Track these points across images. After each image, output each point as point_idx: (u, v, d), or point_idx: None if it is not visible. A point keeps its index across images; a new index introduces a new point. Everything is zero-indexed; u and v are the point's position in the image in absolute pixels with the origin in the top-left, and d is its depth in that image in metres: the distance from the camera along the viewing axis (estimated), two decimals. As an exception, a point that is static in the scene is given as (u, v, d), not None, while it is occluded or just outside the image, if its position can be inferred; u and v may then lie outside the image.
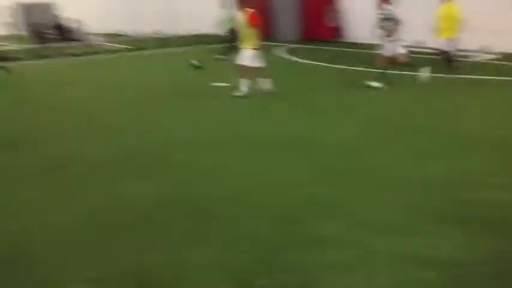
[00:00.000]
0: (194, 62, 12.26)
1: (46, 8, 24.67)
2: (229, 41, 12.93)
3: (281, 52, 15.77)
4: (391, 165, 5.11)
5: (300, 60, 13.88)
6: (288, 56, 14.84)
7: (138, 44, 19.34)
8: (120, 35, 23.52)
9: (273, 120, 7.27)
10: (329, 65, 12.31)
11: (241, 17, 8.85)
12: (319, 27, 18.02)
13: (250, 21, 8.59)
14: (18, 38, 21.45)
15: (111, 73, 12.89)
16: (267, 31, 20.25)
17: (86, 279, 3.10)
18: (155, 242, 3.59)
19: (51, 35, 18.45)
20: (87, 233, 3.78)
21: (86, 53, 17.56)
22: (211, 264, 3.24)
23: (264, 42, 9.42)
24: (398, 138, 6.10)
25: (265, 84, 8.96)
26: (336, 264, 3.21)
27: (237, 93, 8.78)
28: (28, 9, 24.75)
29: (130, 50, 18.42)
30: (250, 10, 8.65)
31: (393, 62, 9.31)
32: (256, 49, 8.70)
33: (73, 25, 18.69)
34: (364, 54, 12.55)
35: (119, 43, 20.03)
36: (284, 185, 4.66)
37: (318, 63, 12.78)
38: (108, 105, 8.58)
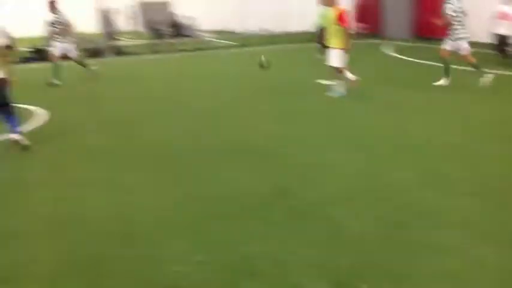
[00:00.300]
0: (263, 60, 10.36)
1: (163, 6, 26.28)
2: (320, 39, 12.69)
3: (388, 50, 15.28)
4: (508, 174, 4.76)
5: (407, 58, 13.35)
6: (395, 54, 14.35)
7: (245, 40, 19.87)
8: (229, 32, 24.32)
9: (371, 120, 7.10)
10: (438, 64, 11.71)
11: (330, 14, 8.49)
12: (434, 24, 17.11)
13: (338, 19, 8.23)
14: (138, 34, 23.06)
15: (217, 67, 13.41)
16: (376, 28, 19.87)
17: (192, 262, 3.29)
18: (255, 234, 3.68)
19: (167, 31, 19.58)
20: (193, 218, 4.00)
21: (196, 49, 18.46)
22: (309, 263, 3.26)
23: (372, 40, 9.21)
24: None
25: (341, 86, 8.60)
26: (443, 273, 3.08)
27: (332, 94, 8.62)
28: (147, 7, 26.54)
29: (237, 47, 19.01)
30: (340, 8, 8.34)
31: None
32: (344, 49, 8.36)
33: (186, 22, 19.67)
34: (482, 53, 11.75)
35: (227, 39, 20.74)
36: (390, 186, 4.54)
37: (427, 62, 12.21)
38: (212, 98, 8.95)
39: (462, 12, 8.84)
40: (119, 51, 18.05)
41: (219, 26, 25.77)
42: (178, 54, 17.48)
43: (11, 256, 3.50)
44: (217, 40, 21.40)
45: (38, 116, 7.95)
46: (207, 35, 22.93)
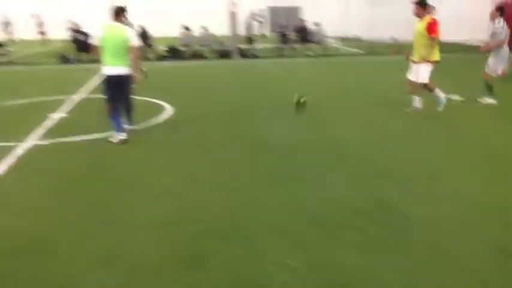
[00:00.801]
0: (298, 97, 8.41)
1: (292, 11, 26.77)
2: None
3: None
4: None
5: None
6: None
7: (372, 49, 19.38)
8: (355, 39, 23.94)
9: (484, 139, 6.45)
10: None
11: (418, 25, 7.70)
12: None
13: (427, 30, 7.48)
14: (266, 38, 23.73)
15: (341, 75, 13.24)
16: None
17: (284, 265, 3.28)
18: (351, 245, 3.56)
19: (294, 36, 19.84)
20: (293, 220, 3.97)
21: (322, 55, 18.44)
22: (406, 282, 3.07)
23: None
24: None
25: (417, 101, 7.93)
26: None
27: (439, 108, 7.88)
28: (277, 11, 27.24)
29: (363, 55, 18.61)
30: (430, 18, 7.58)
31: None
32: (432, 62, 7.65)
33: (314, 28, 19.77)
34: None
35: (354, 47, 20.41)
36: (497, 209, 4.11)
37: None
38: (327, 102, 8.84)
39: None
40: (246, 54, 18.72)
41: (346, 33, 25.50)
42: (303, 60, 17.64)
43: (117, 243, 3.79)
44: (343, 47, 21.17)
45: (166, 110, 8.53)
46: (333, 41, 22.81)
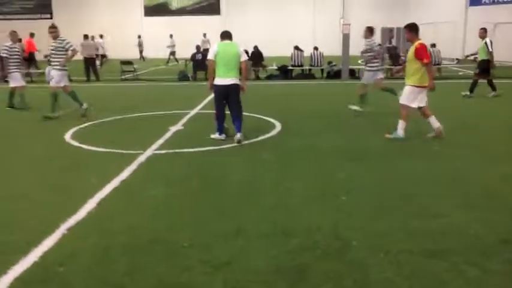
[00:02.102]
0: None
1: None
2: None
3: None
4: None
5: None
6: None
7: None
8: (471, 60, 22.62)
9: None
10: None
11: (410, 49, 7.60)
12: None
13: (415, 54, 7.33)
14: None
15: (457, 98, 12.63)
16: None
17: (390, 282, 3.28)
18: (470, 281, 3.41)
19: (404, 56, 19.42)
20: (405, 249, 3.95)
21: (436, 77, 17.67)
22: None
23: None
24: None
25: (434, 122, 7.64)
26: None
27: (390, 136, 7.67)
28: (387, 32, 26.78)
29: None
30: (418, 43, 7.39)
31: None
32: (420, 87, 7.44)
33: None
34: None
35: (471, 69, 19.30)
36: None
37: None
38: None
39: None
40: (354, 74, 18.60)
41: (462, 54, 24.19)
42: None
43: (230, 251, 4.04)
44: (461, 69, 20.12)
45: (276, 126, 8.83)
46: (448, 63, 21.79)
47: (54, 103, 10.02)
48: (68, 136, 8.25)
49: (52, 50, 9.99)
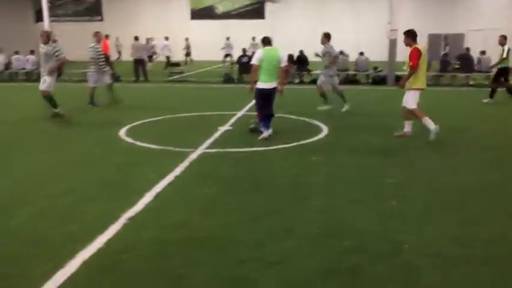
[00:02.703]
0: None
1: (456, 38, 25.57)
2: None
3: None
4: None
5: None
6: None
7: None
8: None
9: None
10: None
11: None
12: None
13: (410, 58, 7.89)
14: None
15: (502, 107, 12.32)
16: None
17: None
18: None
19: (455, 64, 18.92)
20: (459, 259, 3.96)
21: (485, 85, 17.26)
22: None
23: None
24: None
25: (429, 124, 7.89)
26: None
27: (433, 136, 7.81)
28: (437, 39, 26.28)
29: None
30: (413, 47, 7.88)
31: None
32: (416, 89, 7.98)
33: (476, 56, 18.62)
34: None
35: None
36: None
37: None
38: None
39: None
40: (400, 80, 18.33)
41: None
42: (462, 89, 16.77)
43: (281, 250, 4.16)
44: None
45: (322, 130, 8.90)
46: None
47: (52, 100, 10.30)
48: (122, 133, 8.60)
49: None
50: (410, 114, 8.14)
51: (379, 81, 18.47)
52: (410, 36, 8.02)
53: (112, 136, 8.44)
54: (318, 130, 8.88)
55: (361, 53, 19.08)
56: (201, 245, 4.07)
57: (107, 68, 12.48)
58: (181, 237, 4.23)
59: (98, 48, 12.19)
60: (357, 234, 4.28)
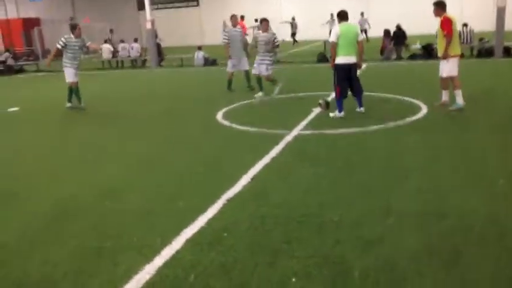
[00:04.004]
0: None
1: None
2: None
3: None
4: None
5: None
6: None
7: None
8: None
9: None
10: None
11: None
12: None
13: (440, 25, 8.16)
14: None
15: None
16: None
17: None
18: None
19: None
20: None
21: None
22: None
23: None
24: None
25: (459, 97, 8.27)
26: None
27: (453, 107, 8.30)
28: None
29: None
30: (444, 16, 8.13)
31: None
32: (455, 56, 8.29)
33: None
34: None
35: None
36: None
37: None
38: None
39: None
40: (509, 52, 16.93)
41: None
42: None
43: (381, 229, 4.13)
44: None
45: (421, 109, 8.56)
46: None
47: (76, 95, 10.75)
48: (219, 116, 8.94)
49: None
50: (448, 83, 8.44)
51: (486, 53, 17.21)
52: (440, 6, 8.23)
53: (210, 119, 8.79)
54: (417, 109, 8.54)
55: (465, 24, 17.84)
56: (300, 223, 4.16)
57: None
58: (279, 215, 4.34)
59: (234, 32, 11.82)
60: (461, 215, 4.12)
